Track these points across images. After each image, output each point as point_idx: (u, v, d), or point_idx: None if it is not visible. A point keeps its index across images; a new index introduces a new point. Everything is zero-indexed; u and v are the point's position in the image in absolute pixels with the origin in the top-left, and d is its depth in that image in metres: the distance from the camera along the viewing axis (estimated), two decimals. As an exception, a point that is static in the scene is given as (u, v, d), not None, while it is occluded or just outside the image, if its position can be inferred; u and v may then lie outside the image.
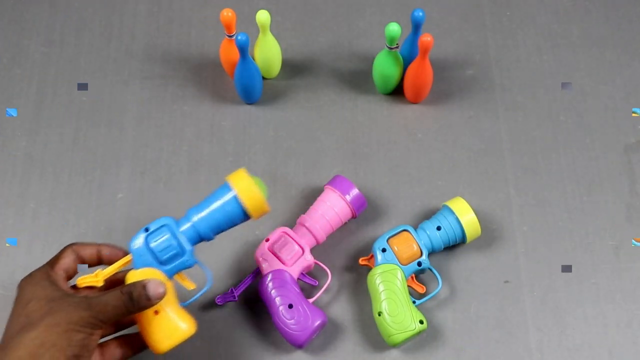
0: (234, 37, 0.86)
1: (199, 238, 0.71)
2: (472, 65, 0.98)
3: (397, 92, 0.96)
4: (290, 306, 0.78)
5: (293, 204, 0.89)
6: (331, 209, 0.84)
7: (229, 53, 0.91)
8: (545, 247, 0.86)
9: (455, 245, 0.86)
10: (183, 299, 0.73)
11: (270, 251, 0.81)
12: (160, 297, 0.67)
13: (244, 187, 0.70)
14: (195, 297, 0.73)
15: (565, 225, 0.88)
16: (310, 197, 0.89)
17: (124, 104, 0.96)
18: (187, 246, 0.70)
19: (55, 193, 0.90)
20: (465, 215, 0.83)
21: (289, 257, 0.81)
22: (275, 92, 0.96)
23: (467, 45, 0.99)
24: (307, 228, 0.83)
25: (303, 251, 0.82)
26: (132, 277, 0.69)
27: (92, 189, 0.90)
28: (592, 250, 0.86)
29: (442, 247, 0.84)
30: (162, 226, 0.70)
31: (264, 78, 0.96)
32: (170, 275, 0.71)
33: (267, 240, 0.82)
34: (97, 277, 0.70)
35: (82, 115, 0.95)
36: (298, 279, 0.82)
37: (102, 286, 0.71)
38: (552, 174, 0.91)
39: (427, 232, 0.83)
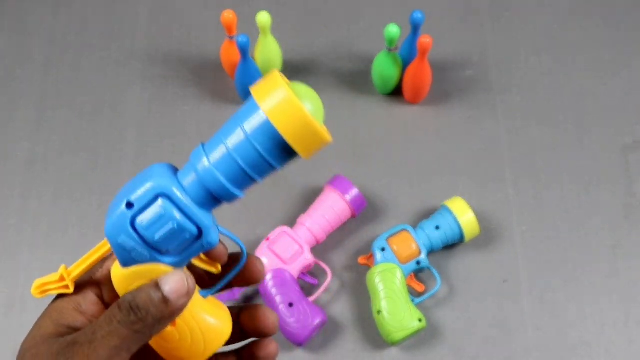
0: (235, 39, 0.86)
1: (213, 199, 0.41)
2: (471, 65, 0.98)
3: (396, 92, 0.96)
4: (291, 305, 0.79)
5: (293, 204, 0.89)
6: (331, 208, 0.84)
7: (229, 54, 0.91)
8: (544, 247, 0.87)
9: (454, 244, 0.87)
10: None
11: (270, 250, 0.82)
12: (183, 293, 0.40)
13: (284, 102, 0.38)
14: (226, 279, 0.44)
15: (563, 225, 0.88)
16: (310, 197, 0.89)
17: (125, 104, 0.96)
18: (205, 220, 0.40)
19: (57, 194, 0.91)
20: (464, 214, 0.83)
21: (289, 257, 0.82)
22: (275, 93, 0.97)
23: (466, 46, 1.00)
24: (307, 228, 0.84)
25: (303, 250, 0.82)
26: (123, 282, 0.42)
27: (94, 190, 0.91)
28: (590, 249, 0.87)
29: (441, 246, 0.84)
30: (154, 198, 0.40)
31: (264, 79, 0.97)
32: (183, 264, 0.42)
33: (268, 239, 0.83)
34: (61, 278, 0.43)
35: (83, 116, 0.96)
36: (298, 278, 0.83)
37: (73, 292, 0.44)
38: (550, 173, 0.91)
39: (426, 231, 0.83)
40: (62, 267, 0.42)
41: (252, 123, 0.39)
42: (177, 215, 0.39)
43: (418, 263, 0.82)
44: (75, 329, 0.42)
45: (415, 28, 0.88)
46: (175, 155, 0.93)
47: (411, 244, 0.82)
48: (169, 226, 0.39)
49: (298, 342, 0.79)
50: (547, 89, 0.97)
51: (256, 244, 0.86)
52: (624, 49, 0.99)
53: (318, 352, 0.82)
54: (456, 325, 0.83)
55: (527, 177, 0.91)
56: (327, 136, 0.39)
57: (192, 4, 1.04)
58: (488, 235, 0.87)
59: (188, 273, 0.41)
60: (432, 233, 0.83)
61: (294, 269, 0.82)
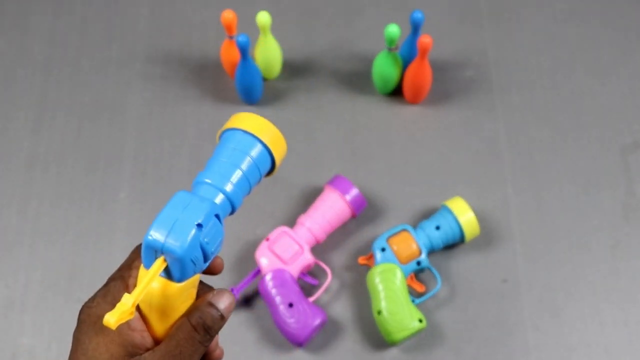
0: (235, 38, 0.87)
1: (232, 211, 0.51)
2: (471, 66, 0.98)
3: (396, 92, 0.96)
4: (291, 305, 0.79)
5: (293, 204, 0.90)
6: (331, 208, 0.85)
7: (229, 54, 0.91)
8: (543, 247, 0.87)
9: (454, 244, 0.87)
10: None
11: (270, 250, 0.82)
12: (232, 309, 0.49)
13: (265, 130, 0.51)
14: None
15: (562, 225, 0.88)
16: (310, 197, 0.89)
17: (126, 104, 0.96)
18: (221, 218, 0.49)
19: (57, 192, 0.91)
20: (464, 214, 0.83)
21: (289, 257, 0.82)
22: (275, 93, 0.97)
23: (465, 46, 1.00)
24: (307, 228, 0.84)
25: (303, 250, 0.82)
26: (178, 296, 0.47)
27: (94, 189, 0.91)
28: (590, 249, 0.87)
29: (441, 246, 0.84)
30: (214, 216, 0.48)
31: (264, 79, 0.97)
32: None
33: (267, 239, 0.83)
34: (125, 305, 0.45)
35: (84, 116, 0.96)
36: (298, 278, 0.83)
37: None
38: (550, 173, 0.91)
39: (426, 231, 0.83)
40: (125, 295, 0.45)
41: (256, 150, 0.50)
42: (221, 228, 0.48)
43: (418, 263, 0.82)
44: (137, 346, 0.47)
45: (416, 28, 0.88)
46: (176, 155, 0.93)
47: (411, 244, 0.82)
48: (220, 238, 0.48)
49: (298, 343, 0.79)
50: (547, 89, 0.97)
51: (256, 244, 0.86)
52: (624, 49, 0.99)
53: (318, 352, 0.82)
54: (456, 326, 0.83)
55: (527, 177, 0.91)
56: (285, 146, 0.53)
57: (192, 4, 1.04)
58: (488, 235, 0.87)
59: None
60: (432, 233, 0.83)
61: (294, 269, 0.82)
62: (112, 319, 0.43)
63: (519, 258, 0.86)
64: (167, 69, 0.99)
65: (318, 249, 0.86)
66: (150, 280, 0.45)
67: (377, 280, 0.81)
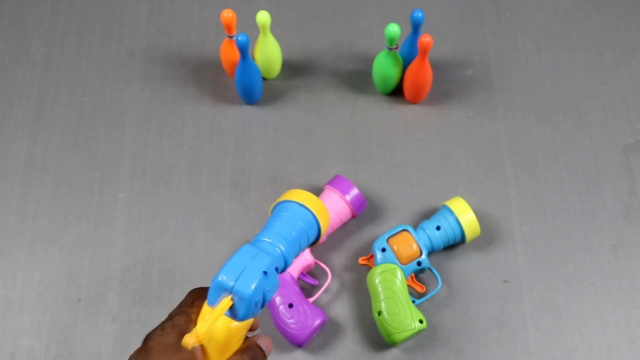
0: (235, 38, 0.86)
1: (284, 268, 0.60)
2: (472, 65, 0.98)
3: (396, 92, 0.96)
4: (291, 305, 0.79)
5: (293, 204, 0.89)
6: (331, 209, 0.84)
7: (229, 54, 0.91)
8: (544, 247, 0.87)
9: (455, 245, 0.86)
10: None
11: (270, 251, 0.82)
12: (270, 351, 0.60)
13: (316, 205, 0.62)
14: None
15: (564, 225, 0.88)
16: (310, 197, 0.89)
17: (125, 104, 0.96)
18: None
19: (56, 193, 0.90)
20: (464, 215, 0.83)
21: (289, 257, 0.82)
22: (275, 93, 0.97)
23: (466, 46, 1.00)
24: (307, 228, 0.83)
25: (303, 251, 0.82)
26: (224, 329, 0.55)
27: (93, 189, 0.91)
28: (591, 249, 0.87)
29: (442, 246, 0.84)
30: (275, 269, 0.57)
31: (264, 78, 0.97)
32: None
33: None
34: (200, 331, 0.53)
35: (83, 116, 0.95)
36: (298, 278, 0.83)
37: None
38: (551, 174, 0.91)
39: (427, 231, 0.83)
40: (199, 324, 0.53)
41: (306, 219, 0.61)
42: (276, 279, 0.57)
43: (419, 263, 0.82)
44: None
45: (416, 27, 0.87)
46: (175, 155, 0.92)
47: (412, 244, 0.82)
48: (276, 288, 0.56)
49: (298, 343, 0.78)
50: (548, 88, 0.97)
51: (256, 244, 0.86)
52: (624, 49, 0.99)
53: (318, 353, 0.81)
54: (457, 326, 0.83)
55: (527, 177, 0.91)
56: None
57: (191, 4, 1.03)
58: (488, 235, 0.87)
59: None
60: (432, 233, 0.83)
61: (294, 270, 0.81)
62: (190, 340, 0.51)
63: (520, 258, 0.86)
64: (166, 69, 0.98)
65: (318, 249, 0.86)
66: (219, 314, 0.52)
67: (378, 280, 0.80)
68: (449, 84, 0.97)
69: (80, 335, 0.82)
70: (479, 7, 1.02)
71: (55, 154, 0.93)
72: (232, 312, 0.54)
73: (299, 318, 0.78)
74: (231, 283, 0.53)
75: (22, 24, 1.02)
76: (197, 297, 0.58)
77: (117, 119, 0.95)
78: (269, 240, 0.58)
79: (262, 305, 0.55)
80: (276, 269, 0.56)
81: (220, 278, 0.53)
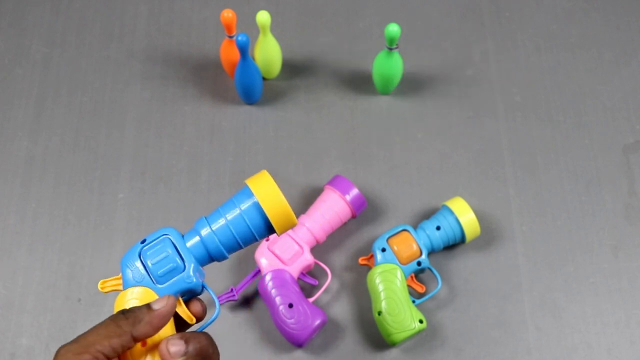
0: (235, 38, 0.86)
1: (209, 257, 0.56)
2: (472, 65, 0.98)
3: (397, 92, 0.96)
4: (291, 305, 0.79)
5: (293, 204, 0.89)
6: (331, 208, 0.84)
7: (229, 54, 0.91)
8: (544, 247, 0.87)
9: (455, 245, 0.86)
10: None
11: (270, 251, 0.82)
12: (169, 313, 0.53)
13: (269, 192, 0.54)
14: (201, 328, 0.57)
15: (564, 225, 0.88)
16: (310, 197, 0.89)
17: (125, 104, 0.96)
18: (189, 261, 0.55)
19: (56, 193, 0.90)
20: (464, 215, 0.83)
21: (289, 257, 0.81)
22: (275, 93, 0.97)
23: (466, 46, 1.00)
24: (307, 228, 0.83)
25: (303, 251, 0.82)
26: (120, 300, 0.55)
27: (93, 189, 0.91)
28: (591, 249, 0.87)
29: (442, 246, 0.84)
30: (161, 236, 0.56)
31: (264, 78, 0.97)
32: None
33: (267, 239, 0.83)
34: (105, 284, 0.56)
35: (83, 116, 0.95)
36: (298, 278, 0.83)
37: None
38: (551, 173, 0.91)
39: (427, 231, 0.83)
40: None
41: (244, 206, 0.55)
42: (169, 250, 0.55)
43: (419, 264, 0.82)
44: None
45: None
46: (175, 155, 0.92)
47: (412, 244, 0.82)
48: (163, 255, 0.55)
49: (298, 343, 0.78)
50: (548, 88, 0.97)
51: (256, 244, 0.85)
52: (624, 49, 0.99)
53: (318, 353, 0.81)
54: (457, 326, 0.83)
55: (527, 177, 0.91)
56: (295, 221, 0.55)
57: (191, 4, 1.03)
58: (488, 235, 0.87)
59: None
60: (432, 233, 0.83)
61: (294, 270, 0.81)
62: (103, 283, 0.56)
63: (520, 258, 0.86)
64: (166, 69, 0.98)
65: (318, 249, 0.86)
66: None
67: (378, 280, 0.80)
68: (449, 84, 0.97)
69: (80, 335, 0.82)
70: (479, 7, 1.02)
71: (55, 154, 0.93)
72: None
73: (299, 318, 0.78)
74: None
75: (22, 24, 1.02)
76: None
77: (117, 119, 0.95)
78: (197, 222, 0.57)
79: (157, 278, 0.54)
80: (170, 239, 0.55)
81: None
